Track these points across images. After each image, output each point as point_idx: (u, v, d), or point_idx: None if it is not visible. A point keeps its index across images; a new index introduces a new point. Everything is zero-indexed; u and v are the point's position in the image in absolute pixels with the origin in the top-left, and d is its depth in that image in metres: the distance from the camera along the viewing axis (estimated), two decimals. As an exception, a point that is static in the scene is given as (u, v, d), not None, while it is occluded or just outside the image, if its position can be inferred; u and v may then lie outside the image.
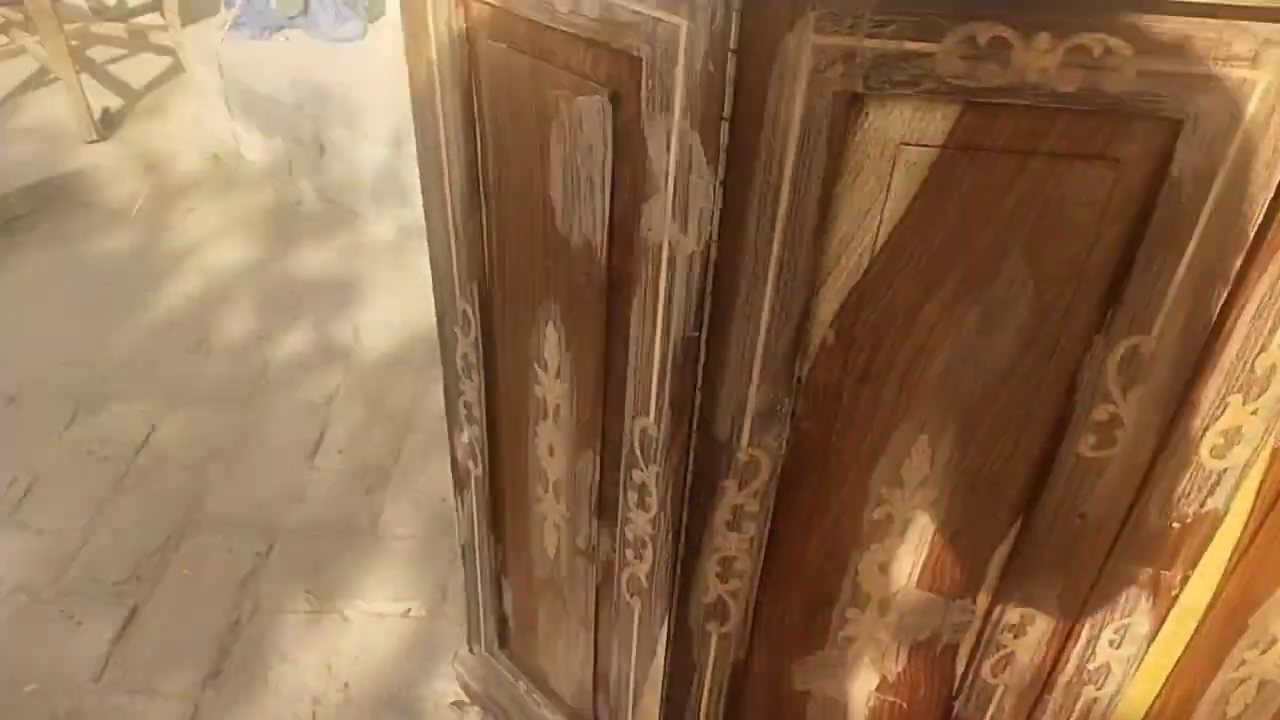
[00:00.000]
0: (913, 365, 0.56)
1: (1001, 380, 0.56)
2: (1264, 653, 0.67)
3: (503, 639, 1.04)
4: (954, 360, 0.55)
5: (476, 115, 0.66)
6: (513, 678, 1.04)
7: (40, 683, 1.24)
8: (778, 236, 0.51)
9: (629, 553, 0.70)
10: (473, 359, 0.79)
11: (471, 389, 0.82)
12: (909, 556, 0.65)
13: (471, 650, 1.11)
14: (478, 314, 0.76)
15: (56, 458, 1.60)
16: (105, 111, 2.60)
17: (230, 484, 1.55)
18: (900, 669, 0.72)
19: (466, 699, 1.18)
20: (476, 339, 0.77)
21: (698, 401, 0.59)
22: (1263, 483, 0.58)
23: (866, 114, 0.48)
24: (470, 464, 0.89)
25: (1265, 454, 0.57)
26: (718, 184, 0.50)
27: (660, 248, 0.55)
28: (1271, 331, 0.51)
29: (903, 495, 0.61)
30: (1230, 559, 0.62)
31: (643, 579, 0.70)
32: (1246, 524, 0.61)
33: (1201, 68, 0.44)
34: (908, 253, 0.52)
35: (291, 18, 2.32)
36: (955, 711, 0.73)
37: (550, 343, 0.70)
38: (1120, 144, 0.47)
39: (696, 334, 0.56)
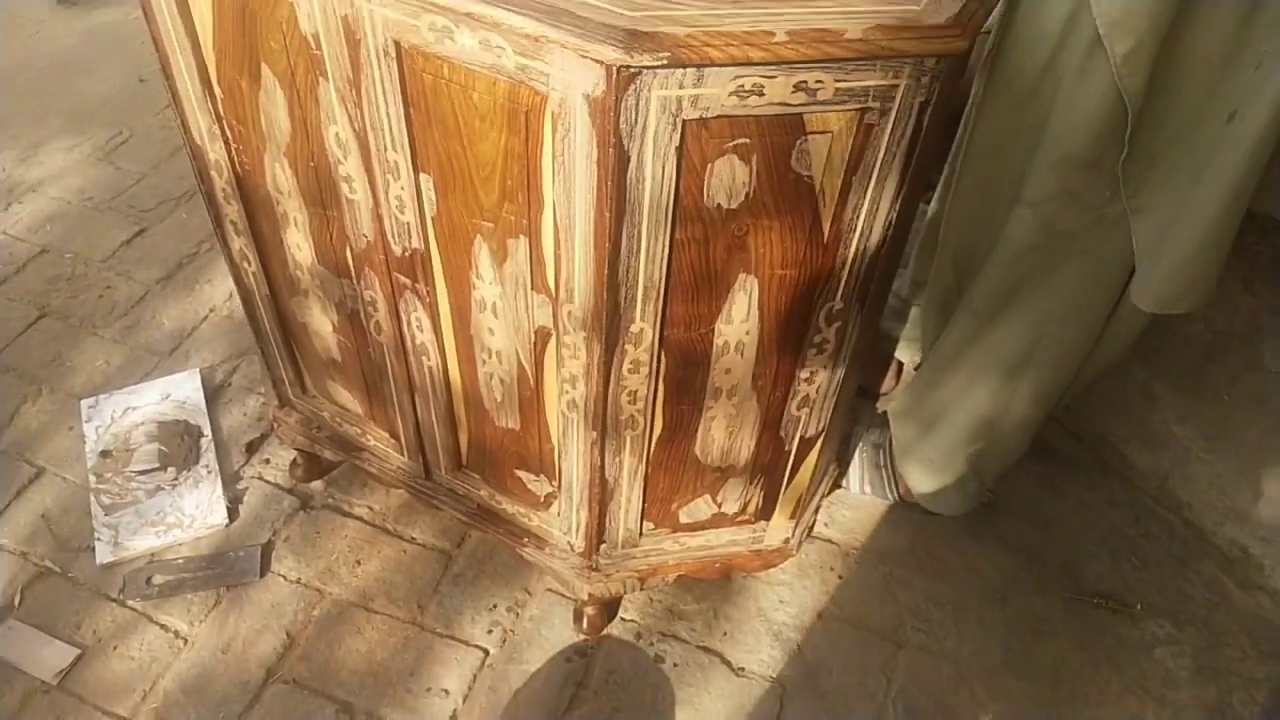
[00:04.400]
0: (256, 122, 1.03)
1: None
2: (490, 358, 1.11)
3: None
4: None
5: None
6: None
7: (75, 253, 2.00)
8: (177, 37, 0.99)
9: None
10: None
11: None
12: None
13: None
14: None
15: (151, 125, 2.34)
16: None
17: (240, 171, 2.21)
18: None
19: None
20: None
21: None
22: (438, 241, 1.01)
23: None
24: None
25: (429, 226, 0.99)
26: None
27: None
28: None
29: (284, 199, 1.10)
30: (444, 287, 1.06)
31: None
32: (443, 266, 1.04)
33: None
34: (224, 50, 0.98)
35: None
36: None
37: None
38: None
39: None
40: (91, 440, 1.66)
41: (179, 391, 1.73)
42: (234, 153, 1.09)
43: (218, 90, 1.03)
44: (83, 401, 1.72)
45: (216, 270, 1.98)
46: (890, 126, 0.82)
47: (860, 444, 1.58)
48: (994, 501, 1.60)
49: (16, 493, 1.59)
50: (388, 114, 0.90)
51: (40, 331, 1.85)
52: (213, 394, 1.74)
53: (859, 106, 0.81)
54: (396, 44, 0.84)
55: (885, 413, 1.57)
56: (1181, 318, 1.41)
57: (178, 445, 1.65)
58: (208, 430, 1.68)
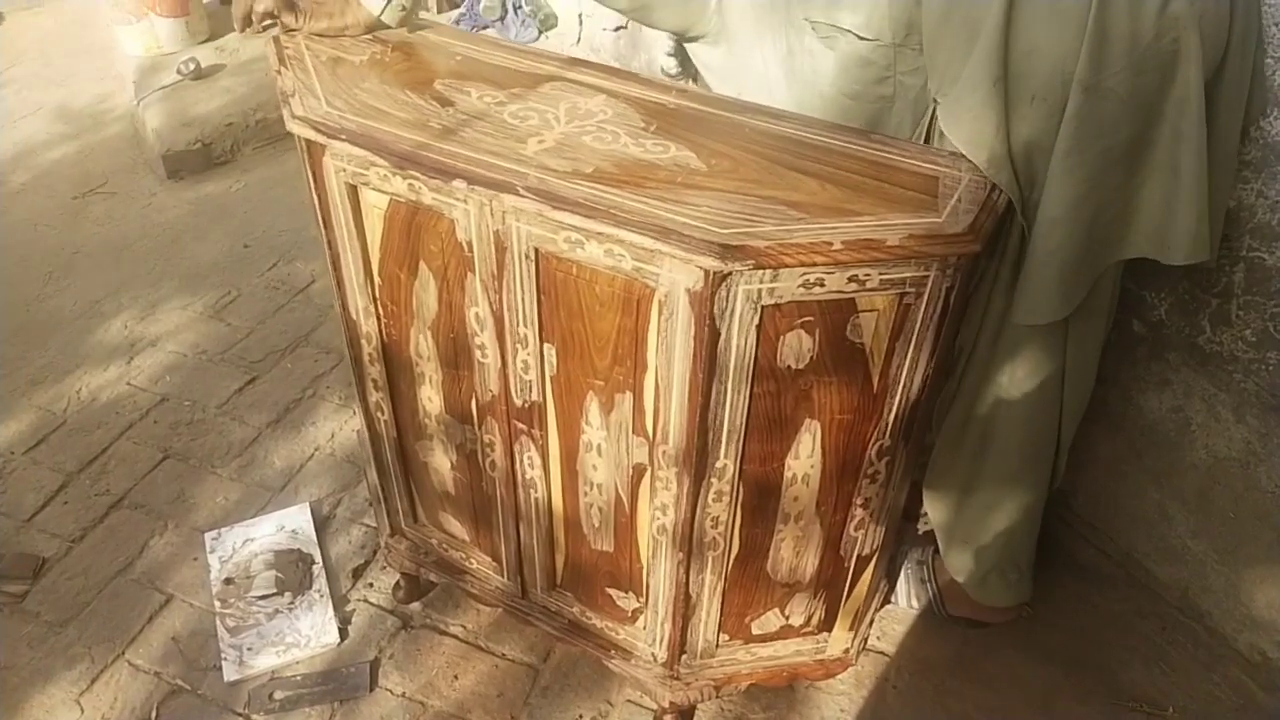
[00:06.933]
0: (408, 304, 1.28)
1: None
2: (591, 489, 1.31)
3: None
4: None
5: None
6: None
7: (193, 401, 2.26)
8: (349, 241, 1.25)
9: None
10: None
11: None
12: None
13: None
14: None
15: (256, 285, 2.64)
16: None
17: (336, 326, 2.49)
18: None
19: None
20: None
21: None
22: (554, 396, 1.24)
23: (360, 194, 1.20)
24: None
25: (548, 384, 1.22)
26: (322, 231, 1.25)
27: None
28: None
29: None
30: (556, 431, 1.28)
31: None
32: (557, 415, 1.26)
33: (452, 200, 1.12)
34: (389, 250, 1.24)
35: (492, 21, 3.19)
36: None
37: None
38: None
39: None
40: (215, 569, 1.87)
41: (292, 523, 1.95)
42: (383, 326, 1.34)
43: (377, 279, 1.29)
44: (206, 534, 1.93)
45: (320, 414, 2.22)
46: (924, 305, 1.05)
47: (905, 562, 1.75)
48: (1032, 614, 1.75)
49: (149, 618, 1.79)
50: (522, 299, 1.15)
51: (164, 471, 2.09)
52: (321, 525, 1.95)
53: (899, 292, 1.04)
54: (536, 250, 1.09)
55: (925, 533, 1.75)
56: (1185, 446, 1.60)
57: (293, 572, 1.85)
58: (318, 558, 1.88)
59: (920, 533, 1.84)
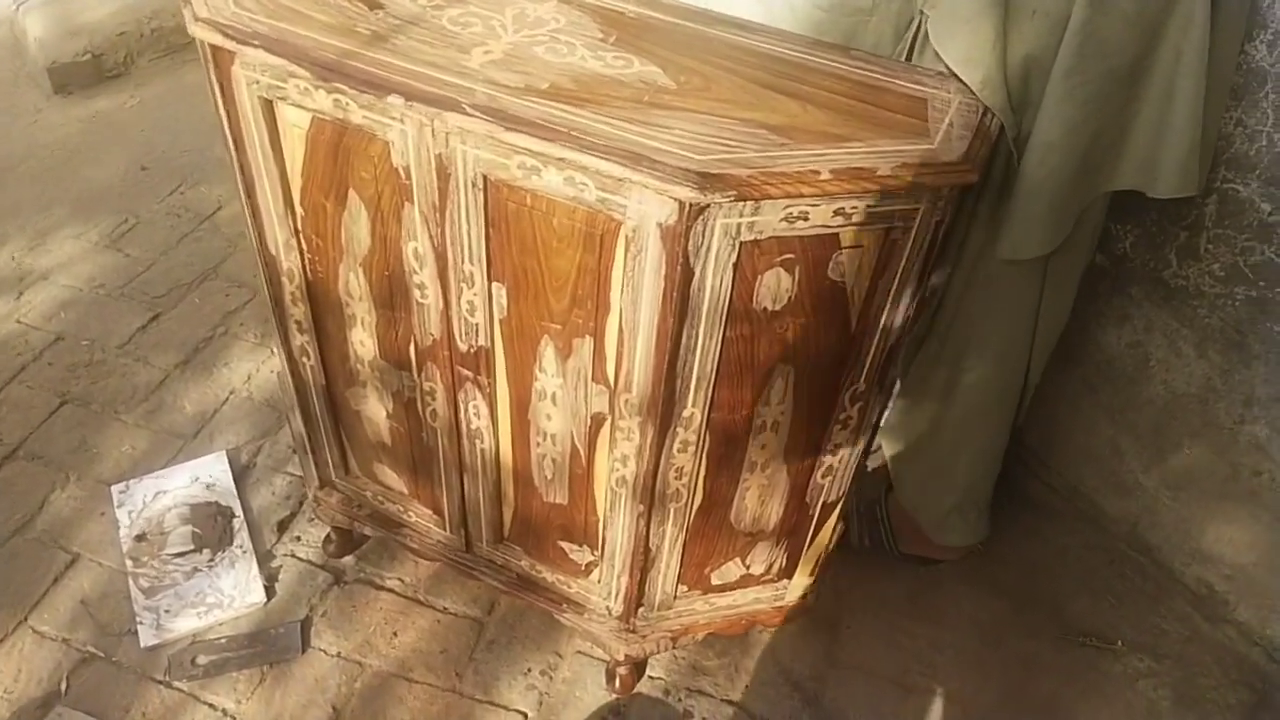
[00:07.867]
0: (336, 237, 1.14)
1: (370, 250, 1.13)
2: (545, 440, 1.22)
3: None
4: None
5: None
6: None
7: (91, 340, 2.06)
8: (266, 165, 1.10)
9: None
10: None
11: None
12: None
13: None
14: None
15: (157, 211, 2.42)
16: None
17: (247, 256, 2.30)
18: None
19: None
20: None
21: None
22: (504, 340, 1.13)
23: (277, 110, 1.05)
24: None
25: (497, 327, 1.11)
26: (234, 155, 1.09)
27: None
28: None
29: (354, 302, 1.21)
30: (505, 379, 1.17)
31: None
32: (507, 361, 1.15)
33: (386, 119, 0.98)
34: (312, 177, 1.09)
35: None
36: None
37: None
38: (373, 146, 1.02)
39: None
40: (125, 525, 1.72)
41: (207, 474, 1.80)
42: (307, 262, 1.20)
43: (299, 209, 1.14)
44: (113, 487, 1.78)
45: (233, 354, 2.06)
46: (911, 241, 0.97)
47: (857, 500, 1.71)
48: (983, 550, 1.74)
49: (54, 580, 1.64)
50: (469, 233, 1.03)
51: (63, 419, 1.91)
52: (240, 475, 1.81)
53: (886, 226, 0.95)
54: (485, 177, 0.97)
55: (874, 470, 1.71)
56: (1143, 381, 1.58)
57: (211, 527, 1.71)
58: (239, 511, 1.75)
59: (869, 470, 1.80)
